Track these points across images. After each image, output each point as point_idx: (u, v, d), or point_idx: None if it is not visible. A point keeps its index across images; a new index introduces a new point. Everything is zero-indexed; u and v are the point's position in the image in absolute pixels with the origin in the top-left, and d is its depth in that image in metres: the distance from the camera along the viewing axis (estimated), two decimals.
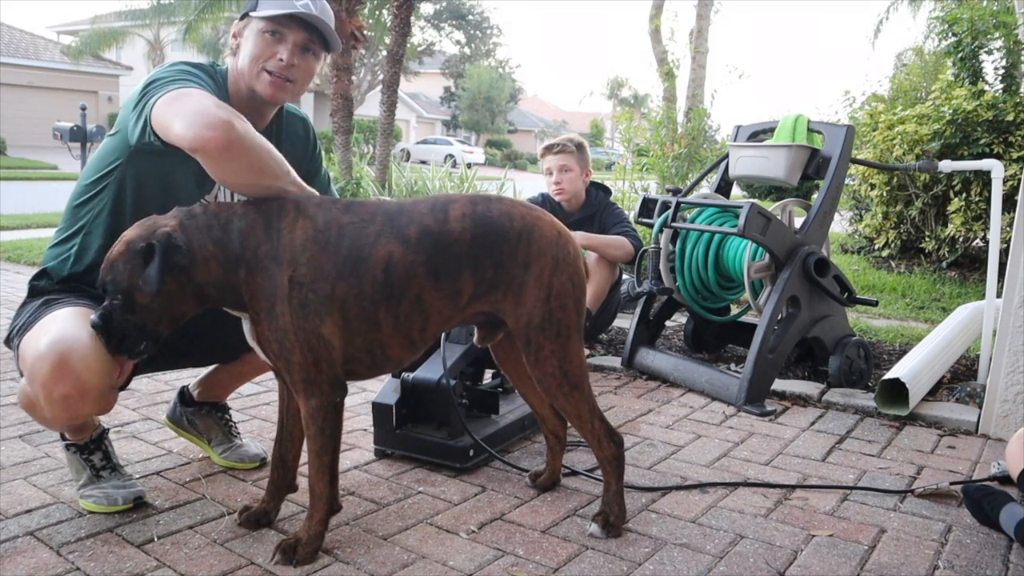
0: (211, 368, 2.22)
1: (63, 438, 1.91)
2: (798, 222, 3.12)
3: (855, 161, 3.55)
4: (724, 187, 3.55)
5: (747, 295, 3.07)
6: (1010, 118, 5.01)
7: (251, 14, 1.84)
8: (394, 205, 1.71)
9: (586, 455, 2.31)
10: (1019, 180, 3.20)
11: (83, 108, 8.12)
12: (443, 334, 2.26)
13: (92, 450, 1.90)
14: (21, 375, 1.78)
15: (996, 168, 3.08)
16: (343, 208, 1.67)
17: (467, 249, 1.66)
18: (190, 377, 2.32)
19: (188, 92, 1.63)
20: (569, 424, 2.57)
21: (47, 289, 1.87)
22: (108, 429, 1.97)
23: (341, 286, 1.60)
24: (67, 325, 1.65)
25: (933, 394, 2.91)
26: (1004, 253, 2.82)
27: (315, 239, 1.60)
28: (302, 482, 2.04)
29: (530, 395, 2.05)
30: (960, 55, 5.90)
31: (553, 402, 1.81)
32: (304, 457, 1.77)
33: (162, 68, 1.79)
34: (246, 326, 1.69)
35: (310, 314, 1.58)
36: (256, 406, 2.72)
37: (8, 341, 1.86)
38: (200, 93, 1.63)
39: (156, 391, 2.83)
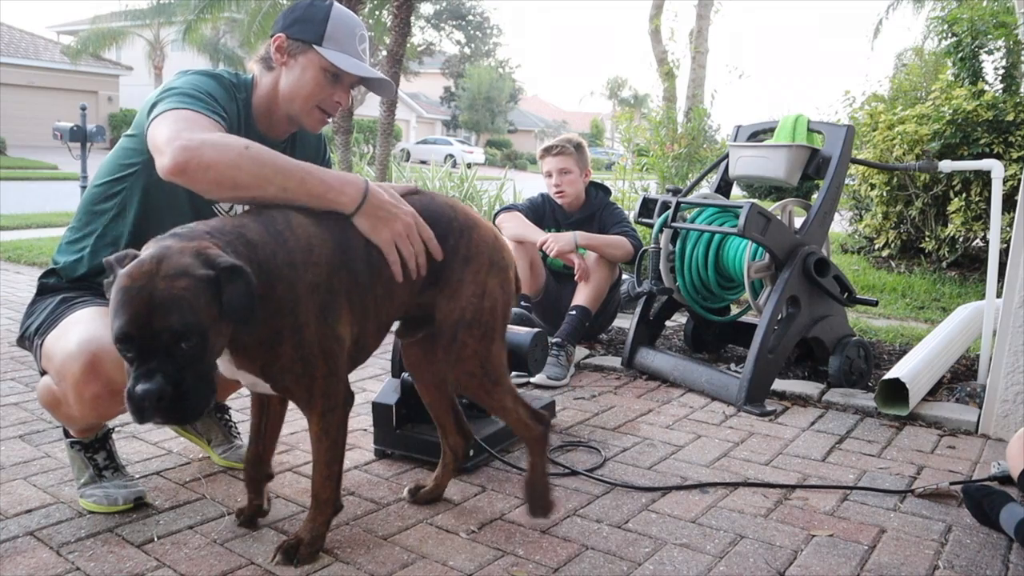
0: None
1: (67, 435, 1.91)
2: (798, 222, 3.12)
3: (855, 161, 3.55)
4: (724, 187, 3.55)
5: (747, 295, 3.07)
6: (1010, 118, 5.01)
7: (315, 47, 1.82)
8: None
9: (586, 455, 2.31)
10: (1019, 180, 3.20)
11: (83, 108, 8.10)
12: None
13: (96, 449, 1.90)
14: (42, 373, 1.79)
15: (996, 168, 3.08)
16: None
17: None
18: None
19: (168, 116, 1.62)
20: (553, 424, 2.57)
21: (60, 287, 1.87)
22: (113, 429, 1.98)
23: (343, 276, 1.57)
24: (95, 325, 1.66)
25: (933, 394, 2.91)
26: (1004, 253, 2.82)
27: (315, 235, 1.55)
28: (300, 482, 2.05)
29: (436, 405, 1.98)
30: (960, 55, 5.90)
31: (474, 399, 1.79)
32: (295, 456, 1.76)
33: (180, 76, 1.79)
34: (225, 362, 1.50)
35: (329, 316, 1.53)
36: None
37: (23, 340, 1.86)
38: (175, 117, 1.62)
39: None
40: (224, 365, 1.52)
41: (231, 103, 1.83)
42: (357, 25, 1.89)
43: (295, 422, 2.49)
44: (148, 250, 1.35)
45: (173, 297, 1.29)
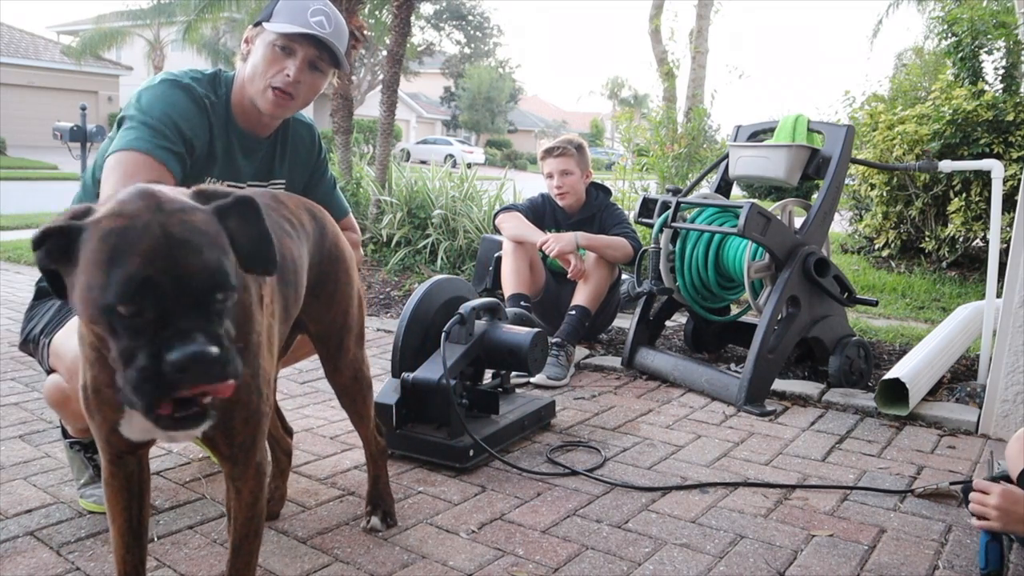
0: None
1: (65, 435, 1.91)
2: (798, 222, 3.12)
3: (855, 161, 3.55)
4: (724, 187, 3.55)
5: (747, 295, 3.07)
6: (1010, 118, 5.01)
7: (264, 24, 1.83)
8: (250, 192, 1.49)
9: (586, 455, 2.31)
10: (1019, 180, 3.20)
11: (83, 108, 8.13)
12: (444, 334, 2.26)
13: (96, 449, 1.90)
14: (48, 372, 1.78)
15: (996, 168, 3.08)
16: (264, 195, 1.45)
17: (309, 240, 1.54)
18: None
19: (116, 165, 1.65)
20: (553, 424, 2.57)
21: None
22: None
23: (278, 302, 1.34)
24: None
25: (933, 394, 2.91)
26: (1004, 253, 2.82)
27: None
28: (300, 482, 2.04)
29: None
30: (960, 55, 5.90)
31: (353, 406, 1.76)
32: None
33: (152, 88, 1.77)
34: None
35: (273, 343, 1.29)
36: None
37: (26, 344, 1.86)
38: (120, 170, 1.64)
39: None
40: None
41: (200, 116, 1.80)
42: (313, 0, 1.84)
43: (295, 421, 2.49)
44: (118, 197, 1.01)
45: (197, 231, 0.97)
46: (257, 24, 1.87)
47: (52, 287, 1.01)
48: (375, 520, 1.80)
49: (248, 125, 1.91)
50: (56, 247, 0.97)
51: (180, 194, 1.04)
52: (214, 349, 0.93)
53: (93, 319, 0.96)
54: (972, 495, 1.64)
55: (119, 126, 1.76)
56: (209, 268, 0.95)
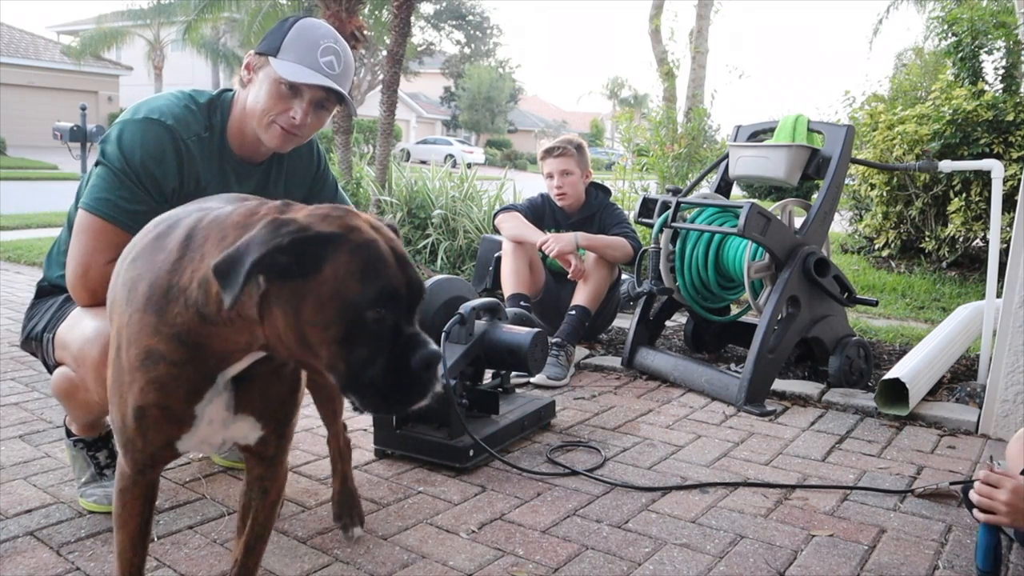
0: None
1: (69, 434, 1.91)
2: (798, 222, 3.12)
3: (855, 161, 3.55)
4: (724, 187, 3.55)
5: (747, 295, 3.07)
6: (1010, 118, 5.01)
7: (270, 58, 1.76)
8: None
9: (586, 455, 2.31)
10: (1019, 180, 3.20)
11: (83, 108, 8.13)
12: (444, 334, 2.26)
13: (99, 447, 1.90)
14: (52, 368, 1.79)
15: (996, 168, 3.08)
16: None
17: None
18: None
19: (84, 229, 1.71)
20: (553, 424, 2.57)
21: (59, 292, 1.87)
22: None
23: None
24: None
25: (933, 394, 2.91)
26: (1004, 253, 2.82)
27: None
28: (300, 482, 2.04)
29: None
30: (960, 55, 5.90)
31: (330, 404, 1.78)
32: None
33: (128, 130, 1.73)
34: (218, 408, 1.19)
35: None
36: None
37: (28, 341, 1.86)
38: (88, 238, 1.70)
39: None
40: (216, 412, 1.20)
41: (180, 162, 1.76)
42: (323, 36, 1.77)
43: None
44: (330, 215, 1.08)
45: (402, 247, 1.12)
46: (261, 53, 1.79)
47: (238, 286, 0.99)
48: (356, 530, 1.76)
49: (244, 152, 1.87)
50: (309, 254, 1.02)
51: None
52: (438, 348, 1.08)
53: (329, 324, 1.02)
54: (979, 487, 1.60)
55: (98, 162, 1.74)
56: (421, 281, 1.09)
